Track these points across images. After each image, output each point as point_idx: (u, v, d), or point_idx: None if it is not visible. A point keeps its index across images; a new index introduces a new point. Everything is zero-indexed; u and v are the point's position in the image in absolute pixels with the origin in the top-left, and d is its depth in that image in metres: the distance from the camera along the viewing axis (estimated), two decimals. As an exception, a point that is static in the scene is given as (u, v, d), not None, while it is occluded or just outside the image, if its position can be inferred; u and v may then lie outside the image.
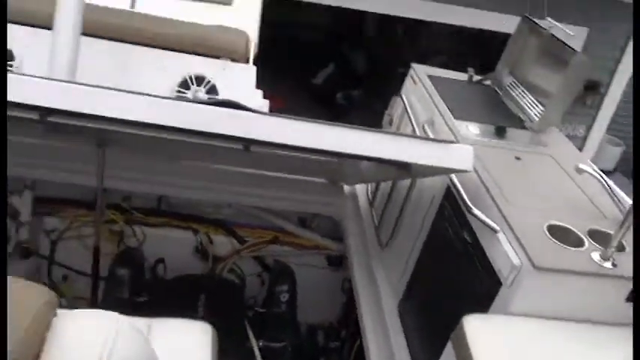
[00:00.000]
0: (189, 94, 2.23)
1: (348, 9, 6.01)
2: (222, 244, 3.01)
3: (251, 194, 2.83)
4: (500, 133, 2.13)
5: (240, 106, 1.44)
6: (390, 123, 2.77)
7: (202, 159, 2.64)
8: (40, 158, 2.52)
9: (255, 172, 2.77)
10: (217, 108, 1.45)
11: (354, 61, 9.08)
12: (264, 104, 2.46)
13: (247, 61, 2.38)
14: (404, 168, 1.86)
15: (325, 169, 2.63)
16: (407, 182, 2.25)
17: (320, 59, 8.89)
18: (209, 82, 2.24)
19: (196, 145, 1.86)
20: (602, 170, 1.83)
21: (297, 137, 1.48)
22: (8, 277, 0.74)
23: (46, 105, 1.38)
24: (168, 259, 2.91)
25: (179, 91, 2.23)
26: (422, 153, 1.58)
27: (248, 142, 1.67)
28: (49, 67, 1.80)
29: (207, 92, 2.25)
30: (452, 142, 1.72)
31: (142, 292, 2.67)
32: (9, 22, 2.10)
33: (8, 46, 2.11)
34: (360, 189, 2.98)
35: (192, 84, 2.23)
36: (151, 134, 1.69)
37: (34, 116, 1.50)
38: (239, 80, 2.30)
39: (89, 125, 1.71)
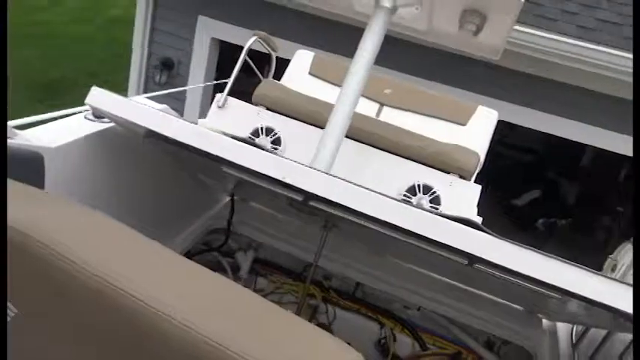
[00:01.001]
0: (413, 200, 2.40)
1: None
2: (404, 344, 3.02)
3: (443, 302, 2.83)
4: None
5: (477, 225, 1.53)
6: (613, 269, 2.58)
7: (407, 259, 2.77)
8: (272, 227, 2.91)
9: (452, 283, 2.79)
10: (450, 221, 1.53)
11: (564, 190, 8.64)
12: (479, 221, 2.53)
13: (471, 179, 2.48)
14: (628, 320, 1.74)
15: (528, 298, 2.54)
16: (629, 335, 2.06)
17: (526, 182, 8.66)
18: (435, 192, 2.39)
19: (411, 247, 1.98)
20: None
21: (529, 267, 1.50)
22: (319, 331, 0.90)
23: (314, 192, 1.63)
24: (351, 343, 3.02)
25: (405, 196, 2.41)
26: None
27: (473, 260, 1.74)
28: (314, 158, 2.12)
29: (431, 201, 2.39)
30: None
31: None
32: (287, 115, 2.59)
33: (279, 134, 2.54)
34: (562, 326, 2.78)
35: (419, 192, 2.40)
36: (375, 228, 1.87)
37: (300, 197, 1.78)
38: (463, 196, 2.40)
39: (328, 210, 1.95)
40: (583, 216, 7.98)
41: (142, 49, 6.32)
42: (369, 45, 2.09)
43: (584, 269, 1.51)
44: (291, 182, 1.60)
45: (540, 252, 1.52)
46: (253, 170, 1.58)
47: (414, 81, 4.69)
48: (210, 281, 1.01)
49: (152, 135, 1.80)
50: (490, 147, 2.96)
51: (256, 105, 2.62)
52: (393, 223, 1.55)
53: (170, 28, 6.35)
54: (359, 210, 1.58)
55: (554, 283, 1.51)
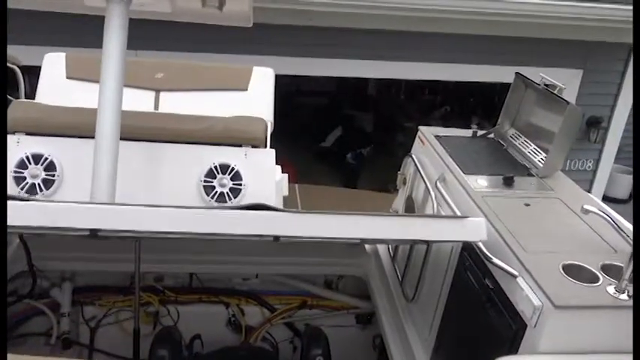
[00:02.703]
0: (215, 183, 2.38)
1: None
2: (254, 314, 3.09)
3: (277, 262, 2.93)
4: (508, 182, 2.25)
5: (269, 207, 1.56)
6: (404, 182, 2.90)
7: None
8: (80, 251, 2.67)
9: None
10: (247, 211, 1.57)
11: (360, 121, 9.39)
12: (283, 178, 2.62)
13: (265, 144, 2.55)
14: (422, 242, 2.00)
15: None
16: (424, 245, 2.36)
17: (328, 123, 9.20)
18: (233, 169, 2.40)
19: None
20: (617, 199, 1.91)
21: (323, 230, 1.60)
22: None
23: (97, 227, 1.53)
24: (203, 334, 2.99)
25: (206, 181, 2.38)
26: (438, 231, 1.72)
27: (277, 236, 1.80)
28: (93, 175, 1.96)
29: (232, 179, 2.39)
30: (465, 217, 1.84)
31: (182, 369, 2.74)
32: (51, 135, 2.33)
33: (50, 158, 2.30)
34: (382, 245, 3.08)
35: (218, 173, 2.39)
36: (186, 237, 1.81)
37: (86, 233, 1.65)
38: (260, 164, 2.45)
39: (123, 235, 1.83)
40: (381, 140, 8.81)
41: None
42: (113, 39, 1.96)
43: (372, 215, 1.66)
44: (66, 225, 1.48)
45: (329, 212, 1.62)
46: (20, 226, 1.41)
47: (182, 57, 4.56)
48: None
49: None
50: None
51: (13, 133, 2.32)
52: (187, 231, 1.54)
53: None
54: (149, 230, 1.53)
55: (346, 237, 1.64)
